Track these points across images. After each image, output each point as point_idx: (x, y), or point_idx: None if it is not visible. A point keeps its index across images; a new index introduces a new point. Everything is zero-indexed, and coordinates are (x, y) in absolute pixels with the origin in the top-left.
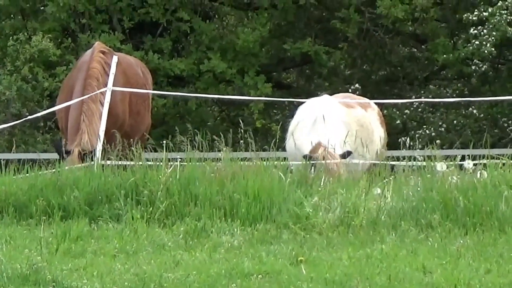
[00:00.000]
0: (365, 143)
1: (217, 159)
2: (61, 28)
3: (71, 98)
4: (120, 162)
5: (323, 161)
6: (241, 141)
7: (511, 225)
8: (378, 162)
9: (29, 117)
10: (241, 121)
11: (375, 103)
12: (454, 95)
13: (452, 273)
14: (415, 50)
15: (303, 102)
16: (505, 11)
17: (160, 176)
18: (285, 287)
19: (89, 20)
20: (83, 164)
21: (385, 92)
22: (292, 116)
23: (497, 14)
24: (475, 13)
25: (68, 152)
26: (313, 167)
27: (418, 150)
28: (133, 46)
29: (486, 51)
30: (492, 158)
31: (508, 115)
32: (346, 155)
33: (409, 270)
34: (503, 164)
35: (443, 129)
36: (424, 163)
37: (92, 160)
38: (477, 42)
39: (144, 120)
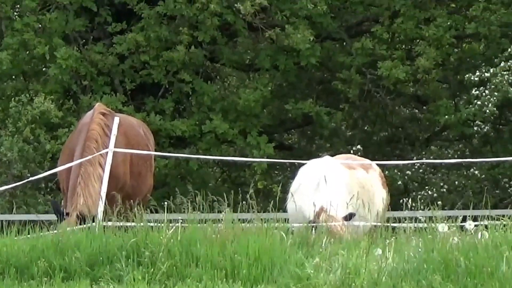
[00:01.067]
0: (366, 204)
1: (219, 220)
2: (63, 90)
3: (72, 160)
4: (121, 223)
5: (326, 224)
6: (243, 202)
7: None
8: (380, 223)
9: (31, 178)
10: (242, 183)
11: (377, 165)
12: (456, 156)
13: None
14: (417, 111)
15: (304, 163)
16: (507, 72)
17: (161, 237)
18: None
19: (90, 82)
20: (83, 226)
21: (387, 153)
22: (293, 177)
23: (499, 75)
24: (477, 74)
25: (67, 214)
26: (314, 230)
27: (419, 211)
28: (135, 107)
29: (487, 112)
30: (493, 219)
31: (510, 176)
32: (348, 217)
33: None
34: (504, 225)
35: (444, 190)
36: (426, 224)
37: (90, 223)
38: (479, 103)
39: (146, 181)
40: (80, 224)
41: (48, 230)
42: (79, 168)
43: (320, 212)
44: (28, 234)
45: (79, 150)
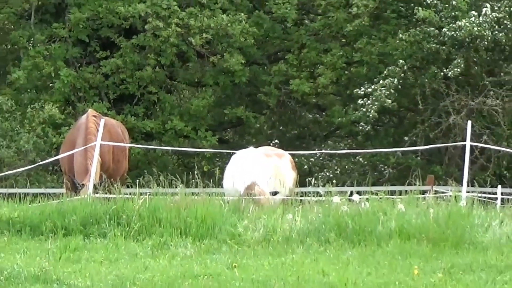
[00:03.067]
0: (281, 182)
1: (175, 193)
2: (64, 99)
3: (72, 149)
4: (105, 195)
5: (259, 196)
6: (192, 181)
7: (386, 241)
8: (290, 196)
9: (41, 162)
10: (193, 167)
11: (289, 154)
12: (346, 148)
13: (343, 275)
14: (318, 115)
15: (235, 153)
16: (384, 88)
17: (134, 205)
18: (223, 285)
19: (84, 94)
20: (86, 195)
21: (296, 146)
22: (228, 163)
23: (378, 90)
24: (362, 89)
25: (83, 185)
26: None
27: (320, 187)
28: (116, 111)
29: (369, 116)
30: (372, 193)
31: (384, 162)
32: (273, 194)
33: (312, 273)
34: (380, 198)
35: (337, 172)
36: (324, 197)
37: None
38: (363, 109)
39: (123, 165)
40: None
41: (53, 200)
42: (85, 153)
43: (252, 185)
44: (39, 202)
45: (81, 141)
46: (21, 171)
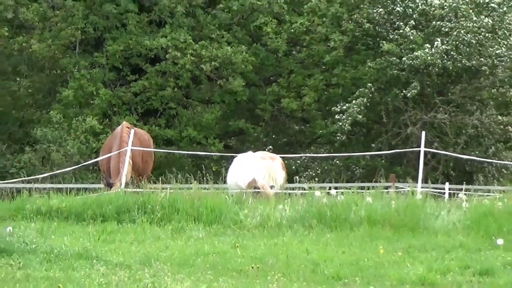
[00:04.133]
0: (273, 179)
1: (190, 188)
2: (102, 113)
3: (109, 153)
4: (135, 190)
5: (259, 191)
6: (204, 178)
7: (357, 226)
8: (281, 191)
9: (84, 163)
10: (204, 167)
11: (280, 157)
12: (325, 152)
13: (323, 253)
14: (303, 127)
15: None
16: (356, 106)
17: (157, 198)
18: (228, 261)
19: (118, 109)
20: (118, 190)
21: (286, 151)
22: (231, 164)
23: (351, 107)
24: (338, 106)
25: (112, 184)
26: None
27: (304, 184)
28: (143, 123)
29: (344, 128)
30: (346, 189)
31: (356, 164)
32: (271, 187)
33: (298, 252)
34: (352, 192)
35: (319, 172)
36: (308, 191)
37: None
38: (339, 123)
39: (150, 165)
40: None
41: (93, 193)
42: (118, 157)
43: (252, 182)
44: (82, 195)
45: (117, 147)
46: (68, 170)
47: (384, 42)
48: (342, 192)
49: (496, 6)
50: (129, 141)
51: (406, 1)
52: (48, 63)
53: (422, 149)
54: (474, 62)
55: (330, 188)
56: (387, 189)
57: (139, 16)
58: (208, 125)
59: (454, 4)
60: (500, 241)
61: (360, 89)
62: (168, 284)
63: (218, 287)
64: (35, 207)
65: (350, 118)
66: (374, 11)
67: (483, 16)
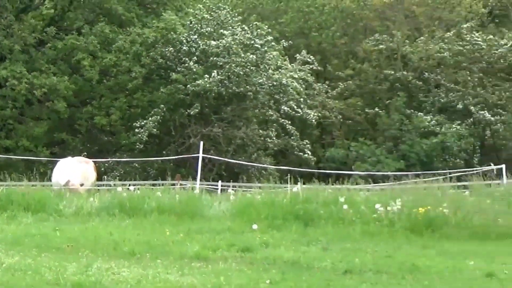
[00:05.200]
0: (86, 178)
1: (22, 185)
2: None
3: None
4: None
5: (73, 188)
6: (34, 177)
7: (149, 214)
8: (92, 187)
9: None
10: (34, 169)
11: (92, 161)
12: (127, 158)
13: (123, 235)
14: (111, 138)
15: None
16: (151, 122)
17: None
18: (50, 240)
19: None
20: None
21: (97, 156)
22: (55, 166)
23: (148, 123)
24: (138, 122)
25: None
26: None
27: (111, 182)
28: None
29: (142, 139)
30: (141, 185)
31: (151, 166)
32: (81, 185)
33: (104, 233)
34: (146, 188)
35: (122, 172)
36: (113, 187)
37: None
38: (139, 135)
39: None
40: None
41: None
42: None
43: (68, 182)
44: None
45: None
46: None
47: (173, 73)
48: (138, 188)
49: (259, 46)
50: None
51: (191, 42)
52: None
53: (201, 155)
54: (242, 89)
55: (129, 185)
56: (173, 185)
57: None
58: (38, 137)
59: (227, 44)
60: (255, 226)
61: (155, 109)
62: (2, 258)
63: (41, 261)
64: None
65: (147, 131)
66: (166, 49)
67: (249, 54)
